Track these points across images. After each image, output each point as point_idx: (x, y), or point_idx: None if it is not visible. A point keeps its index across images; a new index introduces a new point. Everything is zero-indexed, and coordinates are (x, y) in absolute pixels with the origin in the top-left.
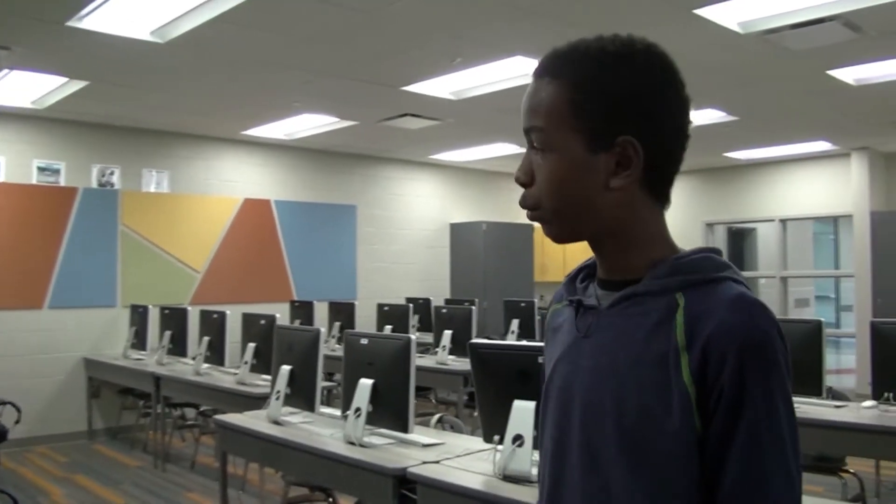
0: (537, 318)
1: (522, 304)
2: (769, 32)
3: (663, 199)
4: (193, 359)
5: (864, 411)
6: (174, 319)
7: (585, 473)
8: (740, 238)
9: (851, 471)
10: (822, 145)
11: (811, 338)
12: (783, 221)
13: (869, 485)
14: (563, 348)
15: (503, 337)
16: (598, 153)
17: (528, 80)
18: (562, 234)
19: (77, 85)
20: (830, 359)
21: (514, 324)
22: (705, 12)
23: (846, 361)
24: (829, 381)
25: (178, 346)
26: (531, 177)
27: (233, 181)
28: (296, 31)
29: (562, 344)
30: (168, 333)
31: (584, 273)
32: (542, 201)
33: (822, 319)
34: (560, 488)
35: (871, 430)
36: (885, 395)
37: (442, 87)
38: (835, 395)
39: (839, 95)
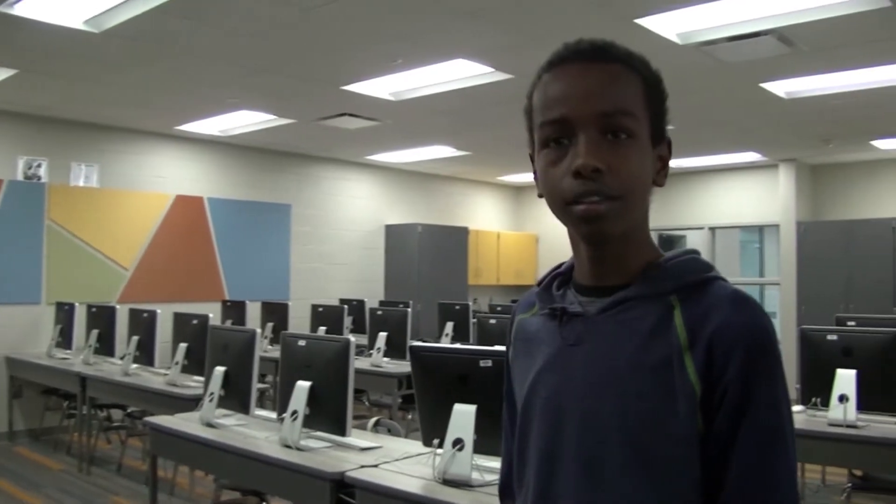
0: (472, 320)
1: (457, 307)
2: (706, 44)
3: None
4: (121, 359)
5: (792, 416)
6: (101, 318)
7: (582, 484)
8: (670, 245)
9: None
10: (751, 156)
11: None
12: (712, 229)
13: None
14: (546, 358)
15: (437, 339)
16: (655, 147)
17: (470, 83)
18: (619, 231)
19: (5, 73)
20: None
21: (449, 326)
22: (645, 22)
23: None
24: None
25: (105, 346)
26: (610, 165)
27: (165, 177)
28: (233, 25)
29: (543, 354)
30: (95, 332)
31: (559, 280)
32: (623, 192)
33: None
34: (548, 502)
35: (799, 434)
36: (813, 400)
37: (382, 87)
38: None
39: (771, 108)
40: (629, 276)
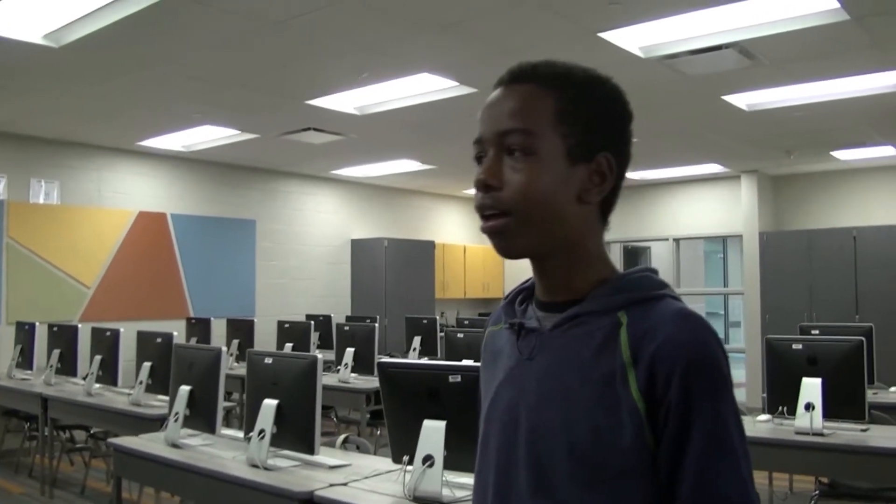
0: (439, 334)
1: (424, 321)
2: (668, 57)
3: (606, 221)
4: (84, 378)
5: (759, 425)
6: (63, 337)
7: (535, 498)
8: (635, 256)
9: None
10: (714, 167)
11: None
12: (676, 240)
13: (763, 496)
14: (506, 372)
15: (405, 354)
16: (577, 164)
17: (435, 97)
18: (521, 246)
19: None
20: None
21: (416, 340)
22: (609, 36)
23: (736, 376)
24: None
25: (67, 366)
26: (502, 181)
27: (127, 193)
28: (196, 39)
29: (504, 368)
30: (56, 352)
31: (523, 295)
32: (512, 207)
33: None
34: None
35: (766, 443)
36: (780, 408)
37: (346, 101)
38: None
39: (733, 120)
40: (579, 291)
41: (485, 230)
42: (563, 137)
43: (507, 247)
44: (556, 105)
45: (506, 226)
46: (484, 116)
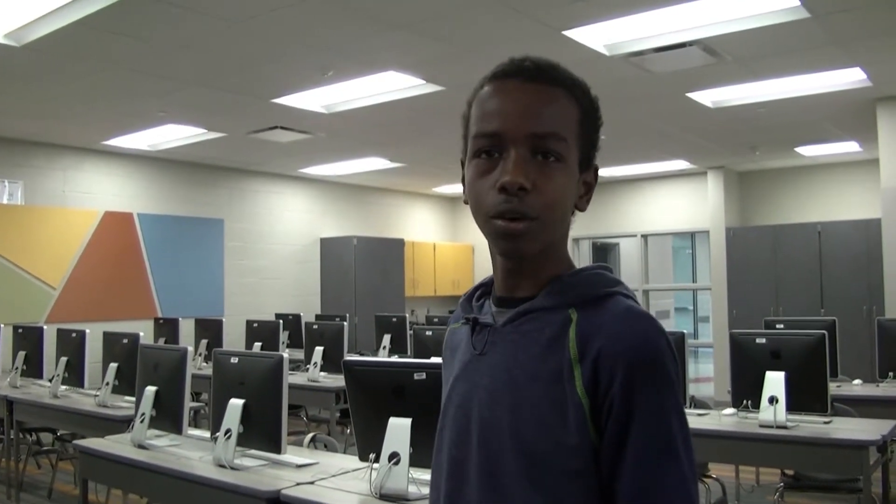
0: (409, 332)
1: (394, 319)
2: (633, 55)
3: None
4: (50, 380)
5: (725, 419)
6: (28, 339)
7: (484, 492)
8: (604, 253)
9: (714, 476)
10: (680, 164)
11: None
12: (644, 237)
13: (730, 489)
14: (461, 367)
15: (375, 352)
16: (581, 173)
17: (402, 95)
18: (534, 250)
19: None
20: (690, 368)
21: (386, 339)
22: (574, 34)
23: (704, 370)
24: (690, 390)
25: (32, 368)
26: (534, 185)
27: (92, 193)
28: (160, 37)
29: (459, 363)
30: (22, 354)
31: (481, 291)
32: (541, 213)
33: (685, 331)
34: None
35: (732, 436)
36: (745, 402)
37: (313, 100)
38: (696, 403)
39: (698, 117)
40: (535, 288)
41: (504, 231)
42: (580, 148)
43: (521, 249)
44: (580, 115)
45: (529, 230)
46: (506, 111)
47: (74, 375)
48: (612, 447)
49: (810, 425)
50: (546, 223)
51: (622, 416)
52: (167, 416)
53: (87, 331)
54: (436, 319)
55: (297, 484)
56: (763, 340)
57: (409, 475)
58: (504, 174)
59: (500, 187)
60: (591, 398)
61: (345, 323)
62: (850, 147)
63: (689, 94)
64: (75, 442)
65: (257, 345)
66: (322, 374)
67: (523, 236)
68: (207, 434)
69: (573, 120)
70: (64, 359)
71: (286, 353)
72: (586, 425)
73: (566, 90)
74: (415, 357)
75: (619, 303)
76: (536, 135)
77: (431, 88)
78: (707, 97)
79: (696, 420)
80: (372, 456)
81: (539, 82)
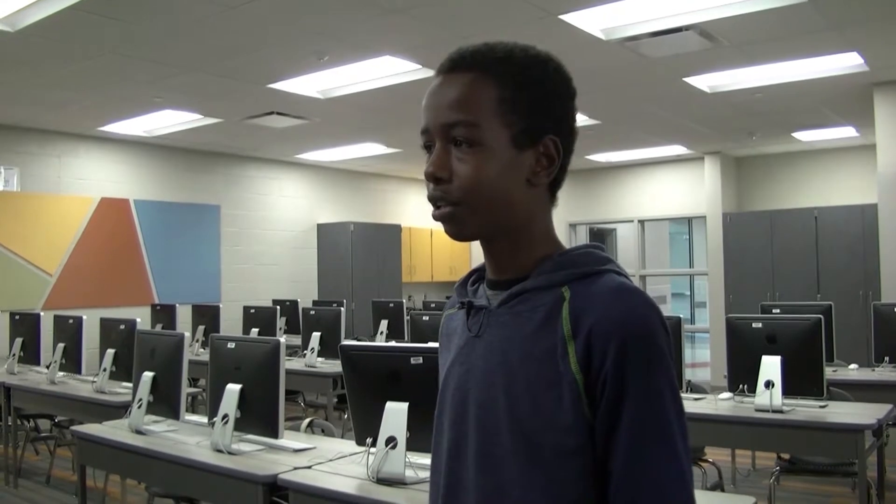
0: (406, 318)
1: (391, 305)
2: (629, 39)
3: (554, 199)
4: (47, 367)
5: (721, 403)
6: (25, 325)
7: (480, 473)
8: (601, 238)
9: (710, 460)
10: (677, 149)
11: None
12: (641, 222)
13: (726, 473)
14: (457, 350)
15: (372, 338)
16: (524, 150)
17: (398, 80)
18: (471, 231)
19: None
20: (686, 353)
21: (383, 324)
22: (570, 18)
23: (701, 355)
24: (687, 374)
25: (30, 354)
26: (450, 172)
27: (88, 179)
28: (156, 22)
29: (456, 347)
30: (19, 340)
31: (475, 276)
32: (461, 198)
33: (682, 316)
34: (456, 489)
35: (728, 420)
36: (741, 386)
37: (309, 85)
38: (693, 388)
39: (695, 102)
40: (525, 269)
41: (436, 217)
42: (507, 125)
43: (457, 232)
44: (498, 93)
45: (456, 214)
46: (427, 106)
47: (71, 362)
48: (605, 425)
49: (806, 409)
50: (473, 206)
51: (613, 396)
52: (164, 402)
53: (84, 317)
54: (433, 305)
55: (295, 468)
56: (759, 325)
57: (406, 459)
58: (426, 166)
59: (425, 178)
60: (584, 374)
61: (342, 309)
62: (847, 132)
63: (686, 79)
64: (73, 428)
65: (254, 330)
66: (319, 359)
67: (452, 220)
68: (205, 419)
69: (488, 100)
70: (61, 345)
71: (283, 339)
72: (581, 403)
73: (479, 71)
74: (412, 342)
75: (611, 279)
76: (446, 125)
77: (427, 73)
78: (704, 82)
79: (693, 404)
80: (369, 440)
81: (452, 72)
